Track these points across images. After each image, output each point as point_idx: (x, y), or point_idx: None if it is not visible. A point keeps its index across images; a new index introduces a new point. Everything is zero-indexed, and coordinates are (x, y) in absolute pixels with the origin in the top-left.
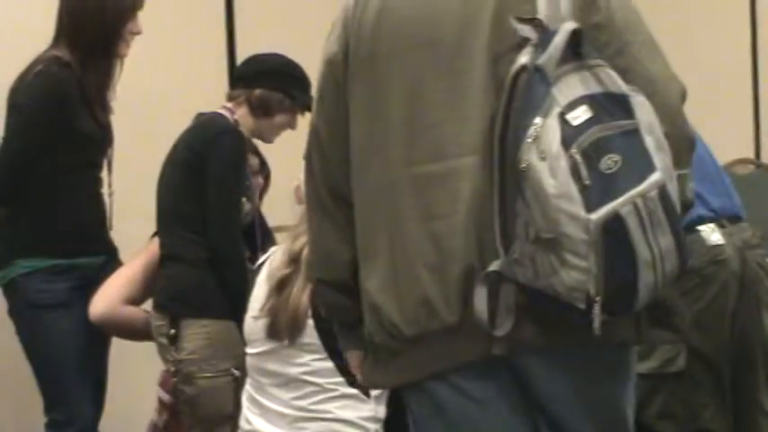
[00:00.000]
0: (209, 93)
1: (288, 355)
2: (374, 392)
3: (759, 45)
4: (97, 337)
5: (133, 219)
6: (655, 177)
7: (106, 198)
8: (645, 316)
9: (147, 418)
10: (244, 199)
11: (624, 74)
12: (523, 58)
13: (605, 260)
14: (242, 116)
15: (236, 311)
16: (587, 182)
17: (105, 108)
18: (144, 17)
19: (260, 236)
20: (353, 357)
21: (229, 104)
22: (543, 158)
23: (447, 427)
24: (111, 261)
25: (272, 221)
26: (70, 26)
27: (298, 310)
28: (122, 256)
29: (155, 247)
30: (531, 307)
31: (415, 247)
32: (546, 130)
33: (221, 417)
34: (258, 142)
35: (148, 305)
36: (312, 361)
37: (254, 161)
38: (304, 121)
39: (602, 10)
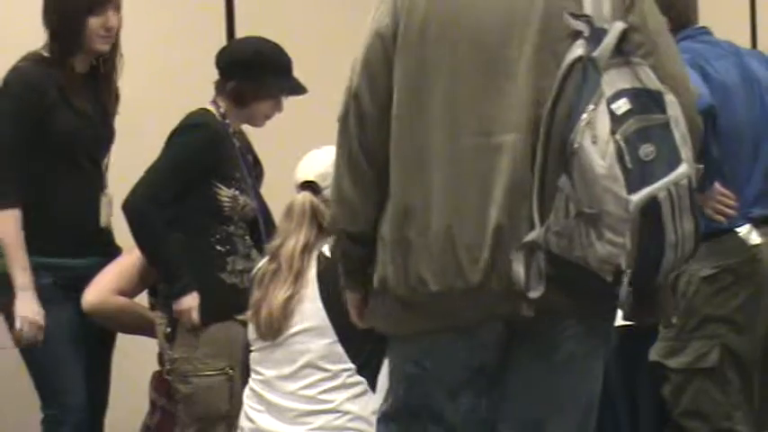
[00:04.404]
0: (209, 92)
1: (290, 343)
2: (380, 386)
3: (759, 46)
4: (96, 336)
5: None
6: (683, 168)
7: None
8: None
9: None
10: (237, 192)
11: (656, 72)
12: (579, 50)
13: (640, 238)
14: (226, 106)
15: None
16: (629, 166)
17: (108, 109)
18: (144, 17)
19: (265, 232)
20: (353, 298)
21: (218, 97)
22: (595, 142)
23: (423, 378)
24: (104, 264)
25: None
26: (44, 24)
27: (272, 308)
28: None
29: None
30: (559, 276)
31: (450, 212)
32: (598, 116)
33: (216, 416)
34: (254, 139)
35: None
36: (317, 345)
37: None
38: (303, 118)
39: (638, 13)
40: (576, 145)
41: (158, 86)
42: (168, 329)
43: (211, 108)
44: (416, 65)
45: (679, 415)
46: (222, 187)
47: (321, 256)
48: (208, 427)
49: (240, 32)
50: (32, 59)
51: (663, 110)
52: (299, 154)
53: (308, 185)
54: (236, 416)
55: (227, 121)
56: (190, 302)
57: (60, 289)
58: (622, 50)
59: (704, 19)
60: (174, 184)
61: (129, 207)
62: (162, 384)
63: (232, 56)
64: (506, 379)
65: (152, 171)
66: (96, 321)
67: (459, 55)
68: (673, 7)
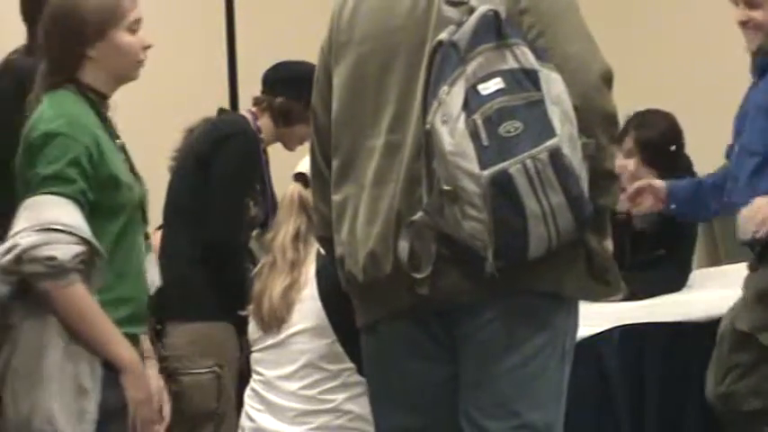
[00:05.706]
0: (210, 93)
1: (290, 343)
2: None
3: None
4: None
5: None
6: (549, 142)
7: None
8: (581, 270)
9: None
10: (252, 202)
11: (546, 53)
12: (442, 35)
13: (497, 212)
14: (264, 122)
15: (233, 310)
16: (485, 143)
17: None
18: (144, 18)
19: None
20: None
21: (254, 109)
22: (445, 122)
23: (383, 365)
24: None
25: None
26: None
27: (273, 299)
28: None
29: (157, 240)
30: (453, 257)
31: (367, 208)
32: (451, 96)
33: (205, 414)
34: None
35: None
36: (317, 345)
37: None
38: None
39: None
40: (428, 126)
41: (157, 86)
42: (158, 326)
43: (248, 117)
44: (347, 71)
45: (742, 387)
46: None
47: (318, 253)
48: (197, 424)
49: (240, 33)
50: (22, 51)
51: (538, 87)
52: (302, 154)
53: (300, 177)
54: (226, 414)
55: (262, 136)
56: None
57: None
58: (502, 33)
59: (705, 19)
60: (244, 197)
61: (226, 245)
62: None
63: (284, 73)
64: (459, 370)
65: (228, 193)
66: None
67: (379, 53)
68: None
